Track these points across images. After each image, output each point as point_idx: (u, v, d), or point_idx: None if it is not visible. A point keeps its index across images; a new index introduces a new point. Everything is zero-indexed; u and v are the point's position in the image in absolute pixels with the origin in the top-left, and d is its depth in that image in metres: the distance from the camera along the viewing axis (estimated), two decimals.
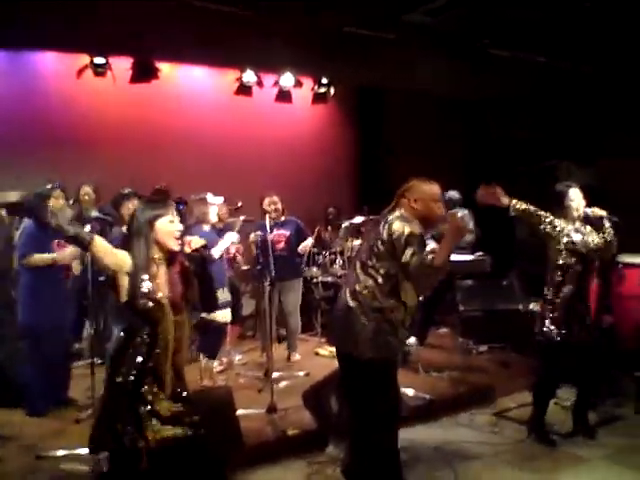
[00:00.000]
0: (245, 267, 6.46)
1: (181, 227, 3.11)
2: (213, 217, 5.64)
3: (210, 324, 5.36)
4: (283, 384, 5.46)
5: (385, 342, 3.43)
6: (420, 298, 3.66)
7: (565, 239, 4.46)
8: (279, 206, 6.14)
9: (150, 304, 2.95)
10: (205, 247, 3.12)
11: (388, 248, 3.37)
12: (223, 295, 5.41)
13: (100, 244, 2.97)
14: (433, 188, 3.51)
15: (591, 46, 6.75)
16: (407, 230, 3.31)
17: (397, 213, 3.46)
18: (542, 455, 4.45)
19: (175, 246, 3.06)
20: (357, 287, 3.48)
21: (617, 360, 5.62)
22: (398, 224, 3.36)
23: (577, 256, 4.48)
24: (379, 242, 3.42)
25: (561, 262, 4.51)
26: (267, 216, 5.68)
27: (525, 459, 4.38)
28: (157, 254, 3.05)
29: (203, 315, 5.30)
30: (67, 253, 4.72)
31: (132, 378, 2.96)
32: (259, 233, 5.69)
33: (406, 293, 3.44)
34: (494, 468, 4.28)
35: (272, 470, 4.19)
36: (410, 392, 5.20)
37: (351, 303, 3.49)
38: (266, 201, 6.13)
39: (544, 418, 4.68)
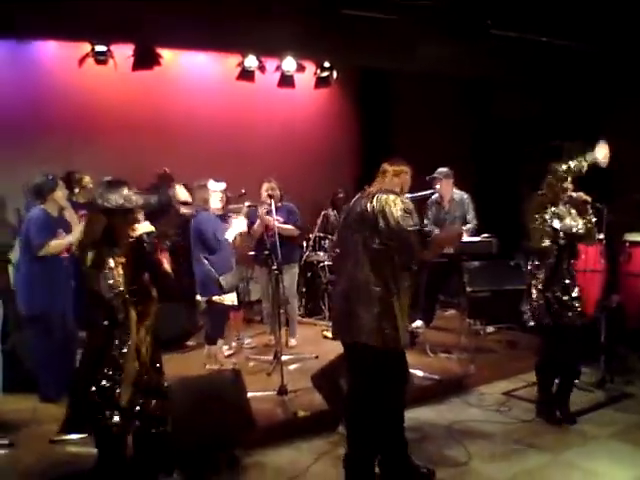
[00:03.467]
0: (251, 252, 6.45)
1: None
2: (214, 203, 5.64)
3: (217, 307, 5.40)
4: (293, 367, 5.51)
5: (387, 330, 3.39)
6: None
7: (546, 223, 4.48)
8: (276, 192, 6.03)
9: (112, 297, 2.98)
10: (149, 234, 3.09)
11: (376, 224, 3.44)
12: (230, 279, 5.44)
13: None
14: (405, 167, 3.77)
15: (594, 25, 6.67)
16: (392, 203, 3.45)
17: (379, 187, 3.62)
18: (551, 433, 4.48)
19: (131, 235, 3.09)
20: (356, 271, 3.51)
21: (625, 338, 5.62)
22: (382, 198, 3.48)
23: (555, 242, 4.49)
24: (368, 220, 3.49)
25: (541, 246, 4.52)
26: (272, 201, 5.69)
27: (535, 437, 4.41)
28: (119, 241, 3.07)
29: (214, 298, 5.36)
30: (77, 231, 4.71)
31: (91, 366, 3.02)
32: (264, 210, 5.72)
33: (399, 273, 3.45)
34: (505, 447, 4.31)
35: (283, 451, 4.23)
36: (419, 373, 5.23)
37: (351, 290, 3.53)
38: (264, 187, 6.07)
39: (550, 398, 4.70)
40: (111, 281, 2.96)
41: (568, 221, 4.51)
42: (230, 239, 5.49)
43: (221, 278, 5.32)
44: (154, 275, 3.15)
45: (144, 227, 3.08)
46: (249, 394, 4.19)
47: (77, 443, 4.01)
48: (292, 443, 4.31)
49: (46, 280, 4.71)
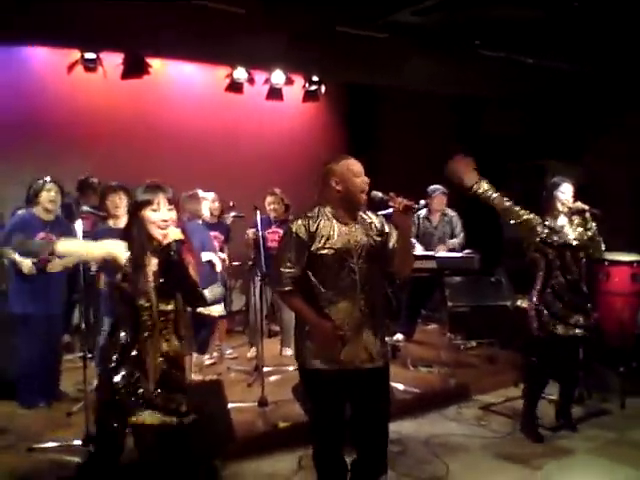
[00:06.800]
0: (236, 262, 6.47)
1: (165, 216, 3.01)
2: (205, 212, 5.67)
3: (205, 318, 5.39)
4: (273, 378, 5.50)
5: (305, 348, 3.23)
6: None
7: (541, 233, 4.50)
8: (276, 206, 6.09)
9: (135, 293, 2.96)
10: (181, 241, 3.06)
11: None
12: (216, 290, 5.42)
13: (65, 246, 3.01)
14: (350, 162, 3.24)
15: (579, 46, 6.82)
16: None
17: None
18: (530, 448, 4.53)
19: (158, 235, 3.01)
20: None
21: (602, 356, 5.70)
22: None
23: (554, 249, 4.52)
24: None
25: (539, 256, 4.57)
26: (257, 212, 5.70)
27: (513, 452, 4.45)
28: (148, 243, 3.02)
29: (200, 309, 5.33)
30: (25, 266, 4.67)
31: (114, 365, 2.99)
32: (253, 230, 5.74)
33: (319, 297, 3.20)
34: (483, 461, 4.35)
35: (263, 462, 4.23)
36: (399, 386, 5.26)
37: None
38: (267, 199, 6.12)
39: (535, 413, 4.74)
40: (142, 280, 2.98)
41: (568, 233, 4.55)
42: (204, 259, 5.45)
43: (206, 290, 5.30)
44: (179, 284, 3.09)
45: (174, 234, 3.02)
46: (229, 405, 4.19)
47: (55, 451, 4.01)
48: (272, 454, 4.31)
49: (30, 282, 4.69)
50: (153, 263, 3.04)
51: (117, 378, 2.98)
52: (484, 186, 4.42)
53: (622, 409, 5.21)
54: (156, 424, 3.01)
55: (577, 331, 4.58)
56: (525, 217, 4.49)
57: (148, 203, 3.00)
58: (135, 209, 3.05)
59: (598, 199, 6.49)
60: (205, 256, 5.39)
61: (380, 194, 3.22)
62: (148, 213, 3.00)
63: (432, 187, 6.69)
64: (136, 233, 3.01)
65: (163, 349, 3.05)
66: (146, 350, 3.01)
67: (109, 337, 3.11)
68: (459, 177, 4.37)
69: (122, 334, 3.01)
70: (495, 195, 4.44)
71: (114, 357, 3.00)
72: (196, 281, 3.13)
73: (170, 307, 3.07)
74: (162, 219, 3.00)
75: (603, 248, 4.70)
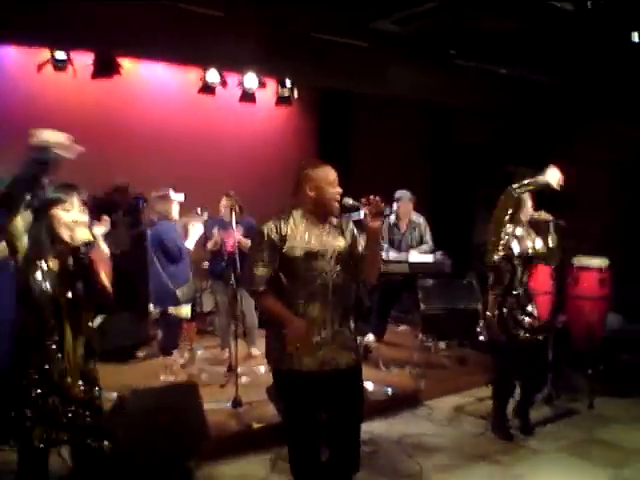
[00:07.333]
0: (206, 264, 6.43)
1: (77, 217, 2.90)
2: (175, 214, 5.63)
3: (172, 318, 5.36)
4: (246, 379, 5.47)
5: (279, 349, 3.21)
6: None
7: (503, 240, 4.56)
8: (235, 207, 5.92)
9: (42, 297, 2.83)
10: (89, 244, 2.97)
11: None
12: (187, 291, 5.41)
13: (20, 222, 2.82)
14: (326, 171, 3.25)
15: (551, 57, 6.94)
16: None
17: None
18: (500, 448, 4.58)
19: (66, 236, 2.89)
20: None
21: (570, 358, 5.80)
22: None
23: (508, 259, 4.58)
24: None
25: (494, 264, 4.62)
26: (232, 213, 5.67)
27: (484, 452, 4.50)
28: (55, 243, 2.90)
29: (170, 309, 5.31)
30: None
31: (18, 376, 2.87)
32: (215, 232, 5.79)
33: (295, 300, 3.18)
34: (455, 460, 4.39)
35: (236, 463, 4.22)
36: (371, 386, 5.29)
37: None
38: (223, 201, 6.07)
39: (505, 413, 4.80)
40: (45, 283, 2.84)
41: (527, 243, 4.62)
42: (191, 247, 5.48)
43: (178, 290, 5.29)
44: (89, 288, 2.98)
45: (83, 235, 2.91)
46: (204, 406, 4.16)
47: (7, 451, 3.90)
48: (246, 455, 4.30)
49: None
50: (55, 265, 2.90)
51: (21, 390, 2.85)
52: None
53: (590, 409, 5.30)
54: (59, 441, 2.91)
55: (538, 336, 4.67)
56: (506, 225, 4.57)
57: (60, 201, 2.88)
58: (44, 206, 2.88)
59: (568, 205, 6.63)
60: (190, 242, 5.48)
61: (351, 201, 3.22)
62: (60, 212, 2.88)
63: (399, 193, 6.70)
64: (36, 231, 2.86)
65: (69, 359, 2.91)
66: (52, 359, 2.87)
67: (16, 346, 2.94)
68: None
69: (27, 342, 2.88)
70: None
71: (18, 368, 2.87)
72: (107, 287, 3.03)
73: (78, 314, 2.95)
74: (73, 219, 2.90)
75: (559, 258, 4.81)
